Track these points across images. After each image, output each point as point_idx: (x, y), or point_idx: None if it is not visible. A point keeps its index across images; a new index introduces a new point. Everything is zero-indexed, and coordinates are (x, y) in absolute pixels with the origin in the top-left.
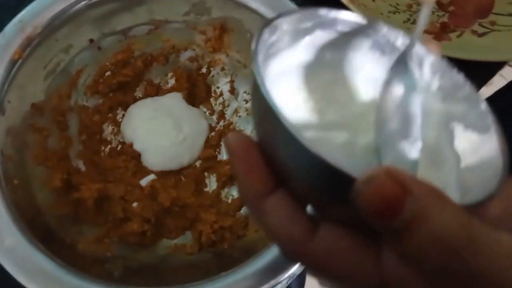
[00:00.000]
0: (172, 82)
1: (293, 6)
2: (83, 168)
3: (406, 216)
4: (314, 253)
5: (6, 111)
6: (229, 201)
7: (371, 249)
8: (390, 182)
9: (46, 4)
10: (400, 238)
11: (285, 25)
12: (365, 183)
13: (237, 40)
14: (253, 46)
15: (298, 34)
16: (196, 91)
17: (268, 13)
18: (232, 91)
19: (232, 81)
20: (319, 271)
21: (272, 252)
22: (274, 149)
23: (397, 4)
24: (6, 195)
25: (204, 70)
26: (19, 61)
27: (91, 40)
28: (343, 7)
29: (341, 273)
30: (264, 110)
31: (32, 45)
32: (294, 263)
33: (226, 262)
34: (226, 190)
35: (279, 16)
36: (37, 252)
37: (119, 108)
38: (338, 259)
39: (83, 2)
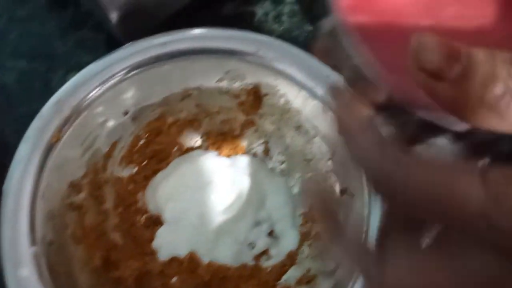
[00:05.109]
0: (205, 145)
1: (329, 71)
2: (120, 241)
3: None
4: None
5: (45, 195)
6: (269, 269)
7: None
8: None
9: (82, 81)
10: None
11: None
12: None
13: (271, 103)
14: None
15: None
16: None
17: (303, 79)
18: (266, 152)
19: (266, 142)
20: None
21: None
22: None
23: None
24: (50, 285)
25: (237, 132)
26: (57, 143)
27: (126, 112)
28: None
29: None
30: None
31: (69, 124)
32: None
33: None
34: (264, 257)
35: None
36: None
37: (153, 176)
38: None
39: (119, 77)
